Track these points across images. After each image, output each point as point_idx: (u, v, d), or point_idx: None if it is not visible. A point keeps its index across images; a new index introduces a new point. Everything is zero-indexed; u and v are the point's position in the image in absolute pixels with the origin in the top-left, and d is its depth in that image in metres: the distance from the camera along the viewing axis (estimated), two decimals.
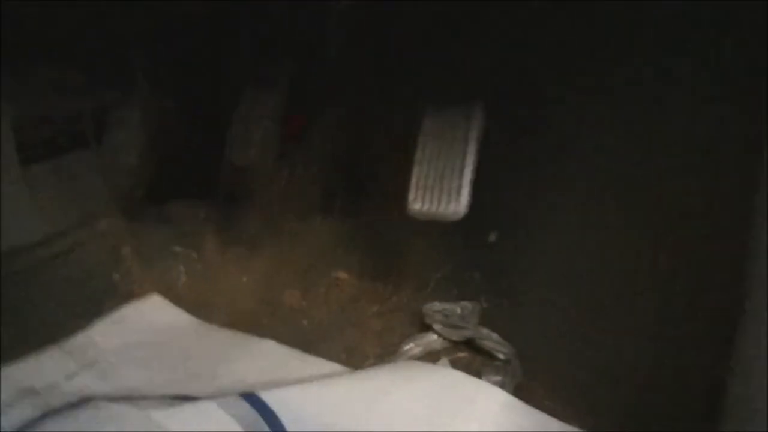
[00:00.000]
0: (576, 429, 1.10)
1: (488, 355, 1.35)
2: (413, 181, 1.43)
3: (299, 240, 1.81)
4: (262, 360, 1.41)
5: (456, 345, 1.41)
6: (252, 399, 1.17)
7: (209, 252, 1.89)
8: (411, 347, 1.40)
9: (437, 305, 1.43)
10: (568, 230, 1.38)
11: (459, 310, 1.41)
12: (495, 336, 1.35)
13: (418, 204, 1.41)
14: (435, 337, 1.41)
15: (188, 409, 1.16)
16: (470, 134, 1.41)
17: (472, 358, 1.39)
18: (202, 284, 1.80)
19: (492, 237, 1.49)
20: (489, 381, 1.22)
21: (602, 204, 1.31)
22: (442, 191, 1.39)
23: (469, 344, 1.40)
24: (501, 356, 1.31)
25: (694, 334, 1.09)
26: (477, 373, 1.23)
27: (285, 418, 1.13)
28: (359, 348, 1.46)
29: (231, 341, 1.52)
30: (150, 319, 1.63)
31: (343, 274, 1.69)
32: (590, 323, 1.28)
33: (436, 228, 1.51)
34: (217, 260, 1.87)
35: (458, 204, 1.37)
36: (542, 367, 1.30)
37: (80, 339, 1.40)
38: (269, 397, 1.17)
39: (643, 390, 1.13)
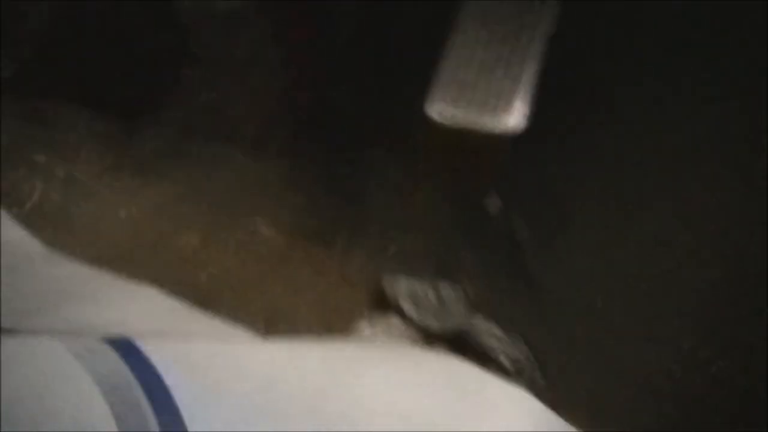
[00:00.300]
0: None
1: (482, 358, 0.94)
2: (443, 72, 1.01)
3: (211, 175, 1.36)
4: (136, 308, 0.95)
5: (428, 338, 0.99)
6: (122, 347, 0.71)
7: (83, 171, 1.41)
8: (363, 328, 0.96)
9: (405, 280, 1.01)
10: (609, 214, 1.12)
11: (432, 293, 1.00)
12: (497, 331, 0.93)
13: (444, 104, 1.00)
14: (398, 320, 0.98)
15: (12, 345, 0.69)
16: (539, 23, 1.01)
17: None
18: (62, 208, 1.33)
19: (492, 205, 1.10)
20: None
21: (661, 190, 1.14)
22: (489, 91, 0.98)
23: (452, 340, 0.98)
24: (503, 359, 0.90)
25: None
26: None
27: (175, 385, 0.68)
28: (285, 318, 1.03)
29: (91, 280, 1.04)
30: None
31: (265, 228, 1.25)
32: (627, 328, 1.05)
33: (411, 177, 1.17)
34: (92, 183, 1.41)
35: (509, 112, 0.97)
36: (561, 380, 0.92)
37: None
38: (153, 350, 0.71)
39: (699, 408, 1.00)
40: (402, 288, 1.02)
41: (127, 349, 0.73)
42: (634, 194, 1.14)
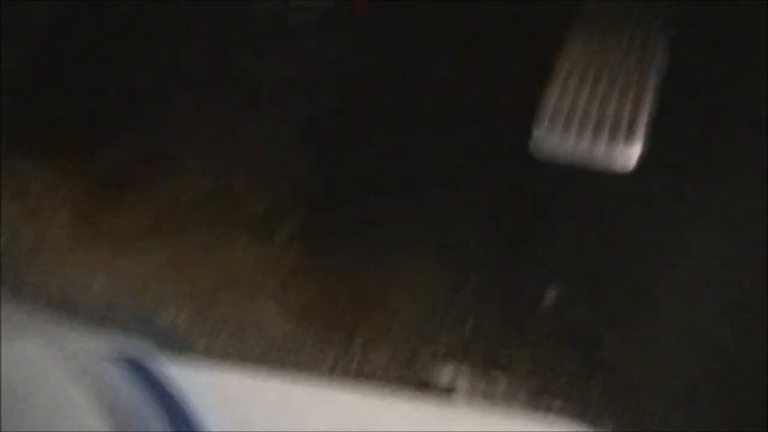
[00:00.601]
0: None
1: None
2: (550, 101, 0.89)
3: (207, 255, 1.19)
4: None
5: None
6: (134, 361, 0.52)
7: (54, 233, 1.22)
8: None
9: (447, 371, 0.83)
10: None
11: (481, 382, 0.82)
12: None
13: (552, 135, 0.87)
14: None
15: None
16: (652, 61, 0.91)
17: None
18: (27, 267, 1.13)
19: (549, 297, 0.94)
20: None
21: None
22: (602, 123, 0.86)
23: None
24: None
25: None
26: None
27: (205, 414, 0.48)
28: None
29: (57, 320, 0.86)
30: None
31: (267, 314, 1.07)
32: None
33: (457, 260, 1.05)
34: (63, 248, 1.19)
35: (628, 145, 0.84)
36: None
37: None
38: (175, 370, 0.52)
39: None
40: (449, 375, 0.84)
41: (140, 365, 0.53)
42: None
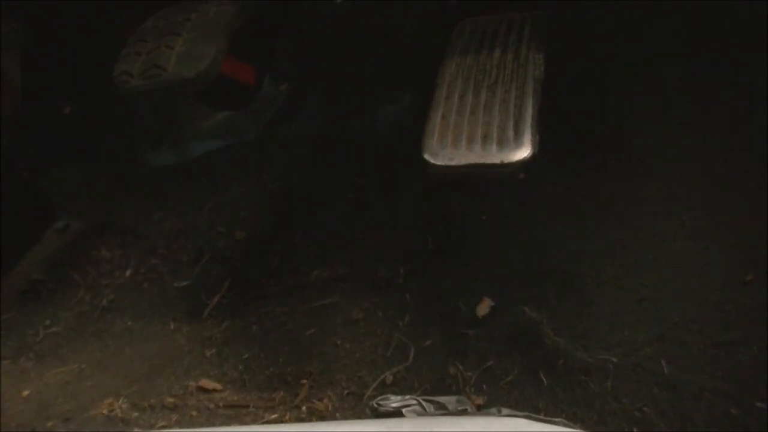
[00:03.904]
0: None
1: None
2: (435, 120, 0.91)
3: (135, 344, 1.19)
4: None
5: None
6: None
7: None
8: None
9: (395, 399, 0.82)
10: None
11: (430, 405, 0.81)
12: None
13: (445, 152, 0.88)
14: None
15: None
16: (527, 71, 0.94)
17: None
18: None
19: (484, 308, 0.95)
20: None
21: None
22: (489, 132, 0.88)
23: None
24: None
25: None
26: None
27: None
28: None
29: None
30: None
31: (208, 383, 1.04)
32: None
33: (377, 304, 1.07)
34: None
35: (517, 150, 0.85)
36: None
37: None
38: None
39: None
40: (397, 406, 0.83)
41: None
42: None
